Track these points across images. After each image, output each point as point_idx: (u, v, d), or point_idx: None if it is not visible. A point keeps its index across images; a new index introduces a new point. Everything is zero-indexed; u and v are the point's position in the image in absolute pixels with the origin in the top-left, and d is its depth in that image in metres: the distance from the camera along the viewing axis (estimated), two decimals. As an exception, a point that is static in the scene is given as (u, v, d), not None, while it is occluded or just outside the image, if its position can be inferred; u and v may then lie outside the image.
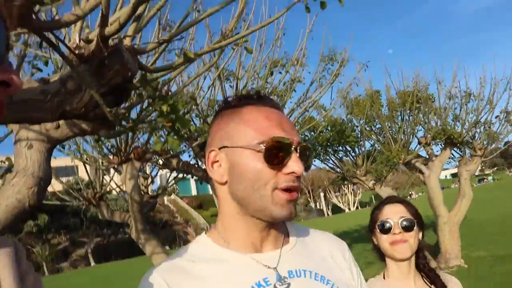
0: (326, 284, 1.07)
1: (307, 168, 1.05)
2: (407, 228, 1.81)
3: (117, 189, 7.36)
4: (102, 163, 6.45)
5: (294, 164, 1.00)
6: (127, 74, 2.45)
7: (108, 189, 6.95)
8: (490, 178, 64.46)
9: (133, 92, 2.64)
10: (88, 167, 7.10)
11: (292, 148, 1.01)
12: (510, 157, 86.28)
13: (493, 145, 13.45)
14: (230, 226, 1.09)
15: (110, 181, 6.89)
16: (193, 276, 1.02)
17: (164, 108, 2.25)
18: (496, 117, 13.39)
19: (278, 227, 1.12)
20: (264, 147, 1.00)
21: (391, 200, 1.94)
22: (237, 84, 8.26)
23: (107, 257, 40.22)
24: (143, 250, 6.32)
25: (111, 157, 6.00)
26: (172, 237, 42.09)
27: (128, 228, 6.83)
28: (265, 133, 1.02)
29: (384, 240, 1.85)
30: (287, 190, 1.01)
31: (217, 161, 1.08)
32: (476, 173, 13.49)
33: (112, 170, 6.75)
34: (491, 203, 25.07)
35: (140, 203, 6.00)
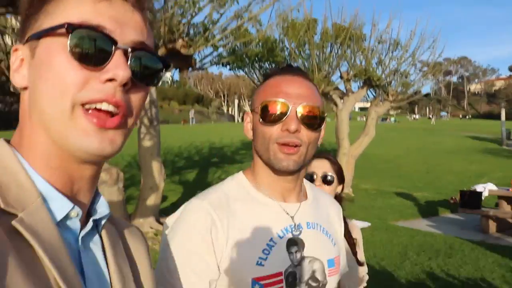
0: (328, 238, 1.33)
1: (311, 128, 1.21)
2: (327, 182, 2.12)
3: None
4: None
5: (289, 123, 1.18)
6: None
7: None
8: (392, 119, 69.12)
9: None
10: (6, 36, 6.63)
11: (290, 108, 1.18)
12: (414, 104, 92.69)
13: (406, 93, 14.43)
14: (260, 174, 1.28)
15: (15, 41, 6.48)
16: (233, 213, 1.21)
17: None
18: (413, 64, 14.23)
19: (300, 183, 1.32)
20: (259, 108, 1.22)
21: (319, 155, 2.21)
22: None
23: (7, 126, 37.84)
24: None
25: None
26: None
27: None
28: (265, 97, 1.23)
29: None
30: (285, 144, 1.19)
31: (249, 121, 1.30)
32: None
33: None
34: (387, 142, 27.22)
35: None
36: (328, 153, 2.31)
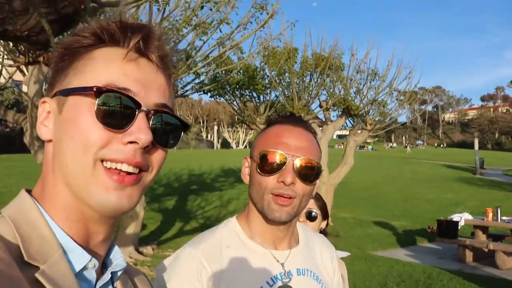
0: (319, 283, 1.32)
1: (307, 181, 1.21)
2: (311, 219, 2.12)
3: (14, 88, 6.91)
4: (3, 58, 5.96)
5: (285, 175, 1.19)
6: (79, 6, 2.39)
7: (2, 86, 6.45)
8: (370, 147, 69.99)
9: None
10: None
11: (288, 161, 1.20)
12: (391, 132, 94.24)
13: (384, 122, 14.66)
14: (253, 220, 1.29)
15: (9, 79, 6.40)
16: (225, 262, 1.21)
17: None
18: (387, 93, 14.45)
19: (292, 230, 1.33)
20: (258, 157, 1.23)
21: None
22: (164, 9, 8.00)
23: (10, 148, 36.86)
24: (34, 156, 6.15)
25: (17, 55, 5.60)
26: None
27: (7, 122, 6.35)
28: (264, 147, 1.25)
29: None
30: (279, 195, 1.19)
31: (247, 166, 1.31)
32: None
33: (11, 68, 6.26)
34: (365, 170, 27.49)
35: (40, 110, 5.75)
36: None
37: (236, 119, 16.26)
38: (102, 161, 0.67)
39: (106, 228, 0.74)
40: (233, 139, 68.79)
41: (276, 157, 1.20)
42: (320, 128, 13.89)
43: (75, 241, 0.69)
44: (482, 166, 31.90)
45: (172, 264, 1.21)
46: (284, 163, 1.19)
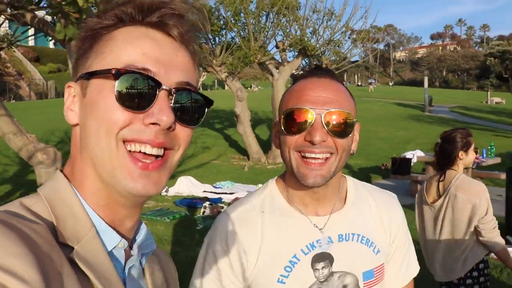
0: (369, 247, 1.20)
1: (340, 136, 1.09)
2: None
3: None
4: None
5: (313, 133, 1.07)
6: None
7: None
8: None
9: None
10: None
11: (315, 116, 1.07)
12: (343, 72, 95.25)
13: (340, 62, 14.79)
14: (290, 183, 1.21)
15: None
16: (260, 228, 1.18)
17: (80, 2, 2.11)
18: (343, 32, 14.48)
19: (334, 190, 1.21)
20: (282, 118, 1.14)
21: None
22: None
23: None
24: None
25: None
26: (2, 89, 37.94)
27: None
28: (287, 105, 1.15)
29: None
30: (304, 156, 1.09)
31: (277, 131, 1.20)
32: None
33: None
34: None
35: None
36: None
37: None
38: (124, 142, 0.67)
39: (134, 212, 0.75)
40: (186, 81, 67.87)
41: (301, 114, 1.08)
42: (277, 70, 13.84)
43: (106, 222, 0.70)
44: (430, 103, 33.05)
45: (210, 234, 1.22)
46: (311, 119, 1.07)
